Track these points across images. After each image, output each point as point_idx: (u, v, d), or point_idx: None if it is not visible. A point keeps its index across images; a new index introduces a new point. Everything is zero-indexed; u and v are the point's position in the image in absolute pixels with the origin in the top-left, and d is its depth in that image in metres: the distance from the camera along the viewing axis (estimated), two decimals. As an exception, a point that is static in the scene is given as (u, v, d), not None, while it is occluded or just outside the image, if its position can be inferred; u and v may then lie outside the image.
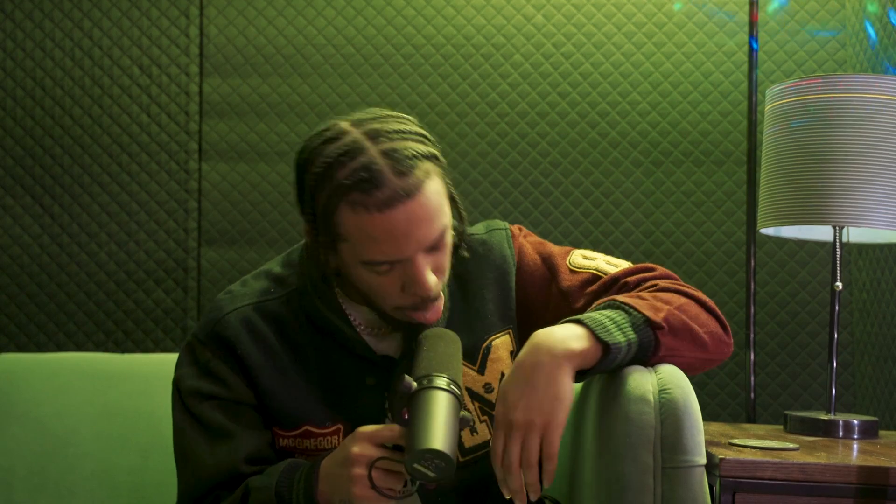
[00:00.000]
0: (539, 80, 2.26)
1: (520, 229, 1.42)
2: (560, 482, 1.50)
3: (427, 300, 1.21)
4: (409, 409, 1.09)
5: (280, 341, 1.30)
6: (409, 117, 1.24)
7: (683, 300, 1.25)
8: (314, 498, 1.16)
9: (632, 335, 1.18)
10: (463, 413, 1.11)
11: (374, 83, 2.28)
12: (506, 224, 1.41)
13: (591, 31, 2.26)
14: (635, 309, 1.19)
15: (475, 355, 1.33)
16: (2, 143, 2.32)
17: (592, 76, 2.26)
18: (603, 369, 1.19)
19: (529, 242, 1.40)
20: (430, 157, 1.19)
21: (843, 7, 2.22)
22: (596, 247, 2.22)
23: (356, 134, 1.17)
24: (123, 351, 2.28)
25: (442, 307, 1.25)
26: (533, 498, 1.15)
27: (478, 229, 1.41)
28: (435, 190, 1.18)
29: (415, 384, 1.10)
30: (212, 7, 2.31)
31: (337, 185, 1.15)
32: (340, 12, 2.29)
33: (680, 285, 1.29)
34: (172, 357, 1.85)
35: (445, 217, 1.20)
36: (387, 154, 1.15)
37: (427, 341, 1.19)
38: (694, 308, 1.25)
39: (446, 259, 1.24)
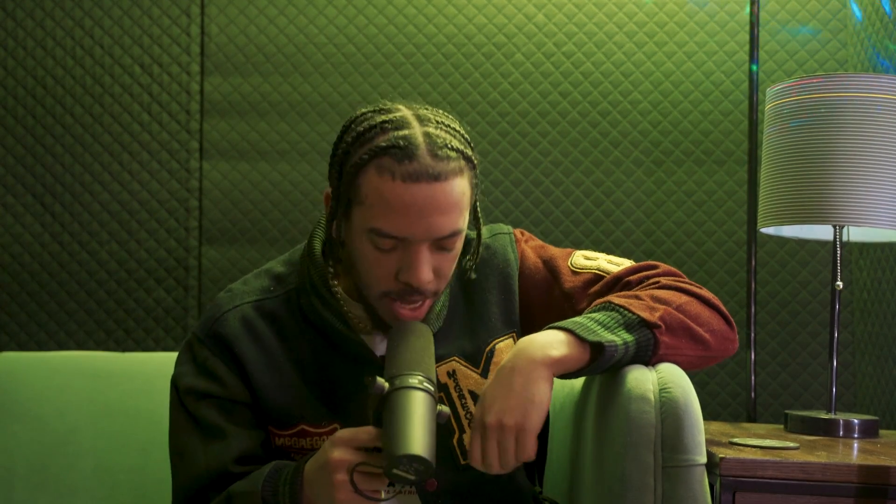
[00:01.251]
0: (540, 79, 2.26)
1: (522, 233, 1.42)
2: (560, 482, 1.50)
3: (415, 293, 1.21)
4: (384, 412, 1.07)
5: (278, 340, 1.31)
6: (458, 121, 1.26)
7: (685, 298, 1.25)
8: (300, 503, 1.15)
9: (627, 336, 1.18)
10: (440, 408, 1.10)
11: (376, 82, 2.28)
12: (509, 228, 1.42)
13: (593, 30, 2.26)
14: (629, 310, 1.19)
15: (478, 359, 1.33)
16: (3, 142, 2.32)
17: (594, 75, 2.25)
18: (600, 368, 1.19)
19: (530, 247, 1.40)
20: (467, 158, 1.21)
21: (844, 6, 2.22)
22: (597, 246, 2.22)
23: (407, 112, 1.21)
24: (124, 350, 2.28)
25: (426, 310, 1.25)
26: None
27: (482, 232, 1.41)
28: (461, 189, 1.20)
29: (386, 385, 1.08)
30: (213, 6, 2.31)
31: (373, 147, 1.18)
32: (342, 11, 2.29)
33: (683, 283, 1.28)
34: (173, 356, 1.85)
35: (462, 221, 1.21)
36: (428, 135, 1.18)
37: (397, 336, 1.17)
38: (695, 306, 1.25)
39: (450, 265, 1.24)
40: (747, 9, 2.22)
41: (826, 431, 1.64)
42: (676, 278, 1.30)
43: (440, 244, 1.20)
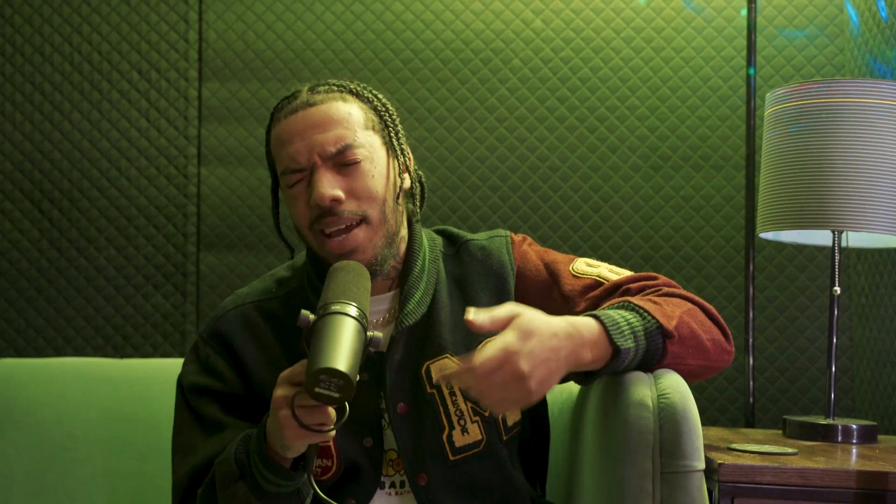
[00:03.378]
0: (537, 84, 2.26)
1: (523, 238, 1.45)
2: (559, 486, 1.50)
3: (328, 214, 1.26)
4: (310, 341, 1.10)
5: (277, 338, 1.35)
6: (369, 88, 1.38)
7: (689, 305, 1.26)
8: (266, 454, 1.17)
9: (642, 341, 1.18)
10: (370, 334, 1.11)
11: (373, 87, 2.28)
12: (507, 232, 1.45)
13: (590, 35, 2.26)
14: (649, 314, 1.20)
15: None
16: (1, 148, 2.32)
17: (591, 81, 2.26)
18: (607, 373, 1.20)
19: (534, 250, 1.43)
20: (354, 93, 1.32)
21: (841, 11, 2.22)
22: (595, 251, 2.22)
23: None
24: (122, 355, 2.28)
25: (356, 240, 1.28)
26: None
27: (480, 236, 1.44)
28: (344, 110, 1.30)
29: (312, 316, 1.11)
30: (211, 12, 2.31)
31: (272, 113, 1.34)
32: (339, 17, 2.29)
33: (682, 293, 1.30)
34: (171, 361, 1.86)
35: (353, 136, 1.28)
36: (312, 87, 1.34)
37: (328, 277, 1.20)
38: (699, 314, 1.27)
39: (364, 183, 1.29)
40: (744, 13, 2.22)
41: (824, 437, 1.64)
42: (675, 290, 1.31)
43: (340, 162, 1.28)
